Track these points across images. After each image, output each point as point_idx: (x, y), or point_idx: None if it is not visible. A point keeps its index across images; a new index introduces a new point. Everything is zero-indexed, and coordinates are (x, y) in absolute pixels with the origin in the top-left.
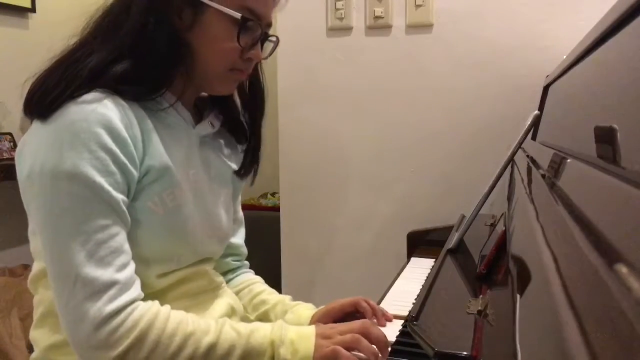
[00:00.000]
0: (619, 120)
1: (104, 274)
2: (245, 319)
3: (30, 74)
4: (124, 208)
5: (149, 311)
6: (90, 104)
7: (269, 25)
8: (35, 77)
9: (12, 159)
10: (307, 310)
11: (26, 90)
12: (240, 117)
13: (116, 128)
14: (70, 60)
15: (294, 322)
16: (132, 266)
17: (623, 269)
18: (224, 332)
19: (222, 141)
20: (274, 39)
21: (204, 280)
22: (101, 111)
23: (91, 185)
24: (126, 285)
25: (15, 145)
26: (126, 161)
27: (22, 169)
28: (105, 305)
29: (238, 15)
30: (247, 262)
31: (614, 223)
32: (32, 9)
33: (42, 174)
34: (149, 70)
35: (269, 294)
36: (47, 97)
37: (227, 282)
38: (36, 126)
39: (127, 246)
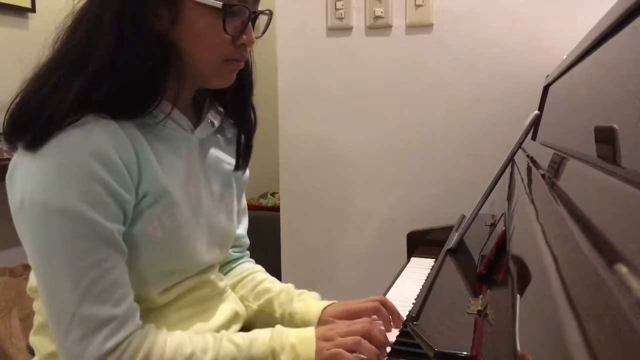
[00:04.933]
0: (619, 120)
1: (101, 310)
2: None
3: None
4: (119, 238)
5: (145, 340)
6: (80, 133)
7: (257, 0)
8: (11, 101)
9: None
10: (315, 300)
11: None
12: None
13: (108, 156)
14: (49, 84)
15: (303, 311)
16: (130, 297)
17: (623, 269)
18: (223, 348)
19: (221, 137)
20: (266, 12)
21: (208, 288)
22: (92, 140)
23: (83, 219)
24: (124, 319)
25: None
26: (120, 189)
27: (13, 199)
28: (103, 343)
29: (219, 3)
30: (248, 252)
31: (614, 223)
32: (32, 9)
33: (33, 208)
34: (138, 84)
35: (272, 282)
36: (31, 127)
37: (228, 271)
38: (24, 155)
39: (124, 278)
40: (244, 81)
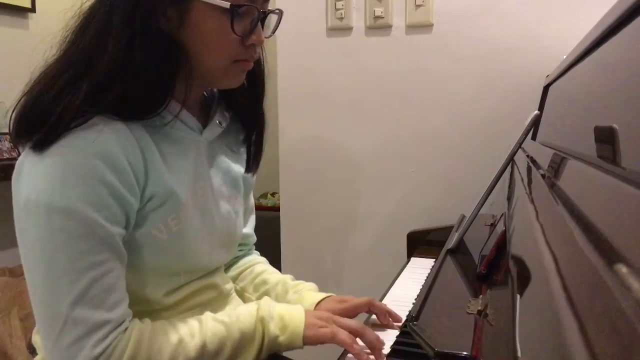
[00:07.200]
0: (619, 120)
1: (95, 314)
2: None
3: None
4: (120, 242)
5: (131, 336)
6: (88, 134)
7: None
8: (18, 102)
9: (12, 159)
10: (311, 292)
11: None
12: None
13: (116, 158)
14: (58, 85)
15: (297, 302)
16: (125, 302)
17: (623, 269)
18: (210, 328)
19: (228, 139)
20: (276, 12)
21: (213, 291)
22: (100, 141)
23: (86, 221)
24: (117, 324)
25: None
26: (125, 192)
27: (18, 198)
28: (94, 347)
29: (227, 4)
30: (253, 247)
31: (614, 223)
32: (32, 9)
33: (37, 207)
34: (147, 86)
35: (270, 274)
36: (39, 127)
37: (231, 265)
38: (31, 155)
39: (121, 282)
40: (257, 81)
